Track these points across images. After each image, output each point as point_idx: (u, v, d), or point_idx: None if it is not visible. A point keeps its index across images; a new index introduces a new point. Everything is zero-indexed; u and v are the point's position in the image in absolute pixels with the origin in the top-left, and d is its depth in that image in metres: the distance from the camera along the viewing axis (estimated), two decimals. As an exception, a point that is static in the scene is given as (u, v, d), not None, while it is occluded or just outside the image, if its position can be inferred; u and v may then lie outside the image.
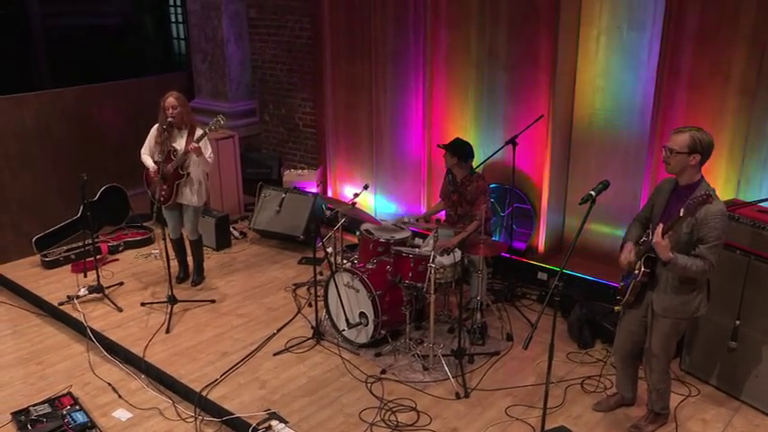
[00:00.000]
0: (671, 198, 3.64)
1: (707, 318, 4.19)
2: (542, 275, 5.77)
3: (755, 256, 4.05)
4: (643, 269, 3.64)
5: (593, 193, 3.59)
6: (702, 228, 3.43)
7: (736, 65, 4.72)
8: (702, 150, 3.47)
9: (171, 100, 5.40)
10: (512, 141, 5.53)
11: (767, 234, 3.99)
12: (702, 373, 4.52)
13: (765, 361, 4.12)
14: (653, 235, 3.48)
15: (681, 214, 3.35)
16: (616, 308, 3.87)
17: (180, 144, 5.44)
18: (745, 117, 4.74)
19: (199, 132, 5.40)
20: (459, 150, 5.20)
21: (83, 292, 5.69)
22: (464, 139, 5.35)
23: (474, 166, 5.34)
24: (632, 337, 3.94)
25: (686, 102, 5.00)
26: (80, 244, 6.29)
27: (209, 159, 5.48)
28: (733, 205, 4.29)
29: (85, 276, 6.08)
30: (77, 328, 5.31)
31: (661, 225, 3.46)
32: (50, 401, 4.38)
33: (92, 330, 5.17)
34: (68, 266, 6.35)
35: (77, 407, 4.32)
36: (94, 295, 5.70)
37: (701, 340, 4.48)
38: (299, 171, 7.57)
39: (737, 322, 4.15)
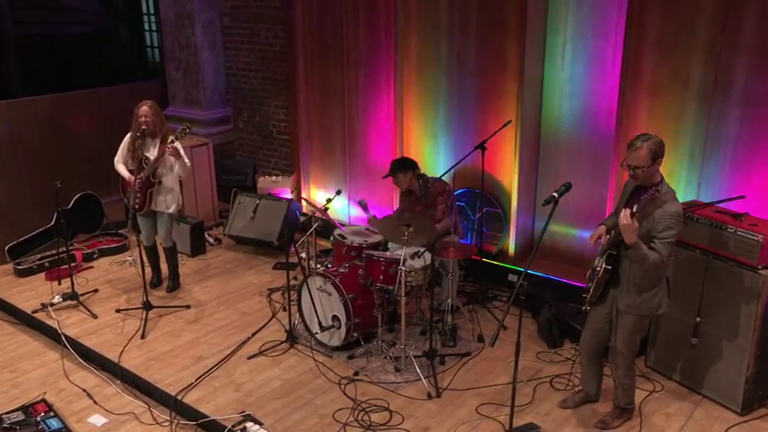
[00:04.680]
0: (632, 198, 3.78)
1: (670, 315, 4.33)
2: (513, 277, 5.88)
3: (714, 255, 4.20)
4: (604, 266, 3.78)
5: (555, 194, 3.71)
6: (658, 226, 3.60)
7: (694, 73, 4.89)
8: (662, 153, 3.64)
9: (145, 109, 5.44)
10: (481, 146, 5.64)
11: (725, 234, 4.15)
12: (666, 368, 4.66)
13: (724, 356, 4.27)
14: (621, 218, 3.57)
15: (633, 210, 3.50)
16: (586, 307, 4.00)
17: (152, 153, 5.48)
18: (704, 122, 4.91)
19: (170, 139, 5.44)
20: (408, 163, 5.29)
21: (57, 299, 5.68)
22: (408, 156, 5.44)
23: (440, 173, 5.43)
24: (598, 333, 4.07)
25: (648, 107, 5.15)
26: (54, 252, 6.28)
27: (186, 163, 5.53)
28: (693, 206, 4.44)
29: (60, 284, 6.07)
30: (52, 335, 5.31)
31: (628, 209, 3.55)
32: (24, 408, 4.37)
33: (66, 337, 5.17)
34: (42, 274, 6.33)
35: (52, 413, 4.32)
36: (69, 302, 5.69)
37: (665, 337, 4.62)
38: (274, 177, 7.62)
39: (698, 319, 4.29)
